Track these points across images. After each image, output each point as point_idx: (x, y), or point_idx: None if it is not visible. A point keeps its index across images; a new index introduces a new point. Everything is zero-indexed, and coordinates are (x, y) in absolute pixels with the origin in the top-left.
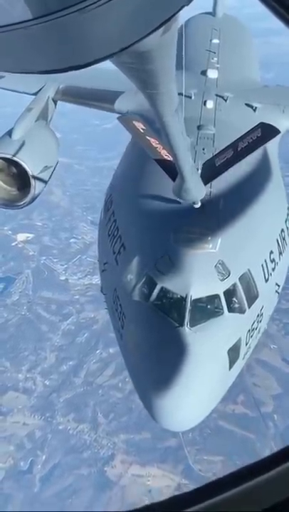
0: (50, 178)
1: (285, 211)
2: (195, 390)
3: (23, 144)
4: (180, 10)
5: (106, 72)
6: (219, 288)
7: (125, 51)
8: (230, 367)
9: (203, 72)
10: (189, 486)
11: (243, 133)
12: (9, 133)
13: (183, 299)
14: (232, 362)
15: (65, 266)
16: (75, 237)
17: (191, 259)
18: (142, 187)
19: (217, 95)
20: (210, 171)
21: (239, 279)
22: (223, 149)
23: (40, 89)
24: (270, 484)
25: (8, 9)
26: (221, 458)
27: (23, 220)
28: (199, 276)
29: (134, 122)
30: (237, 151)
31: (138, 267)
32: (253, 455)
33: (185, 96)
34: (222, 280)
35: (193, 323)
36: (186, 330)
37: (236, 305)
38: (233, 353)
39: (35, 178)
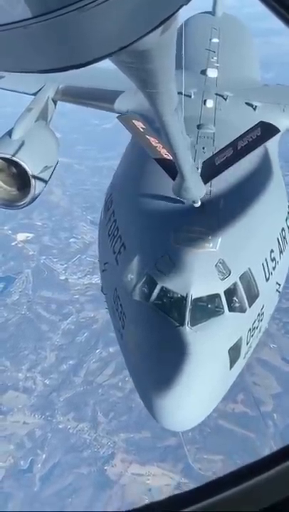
0: (50, 178)
1: (286, 210)
2: (196, 389)
3: (22, 144)
4: (179, 9)
5: (105, 72)
6: (220, 287)
7: (124, 50)
8: (231, 366)
9: (203, 72)
10: (189, 484)
11: (243, 132)
12: (9, 133)
13: (183, 299)
14: (233, 361)
15: (65, 265)
16: (75, 237)
17: (191, 258)
18: (142, 186)
19: (217, 94)
20: (210, 170)
21: (240, 278)
22: (223, 148)
23: (39, 90)
24: (270, 483)
25: (8, 8)
26: (221, 457)
27: (23, 219)
28: (200, 275)
29: (133, 121)
30: (237, 149)
31: (138, 267)
32: (253, 454)
33: (185, 95)
34: (222, 279)
35: (194, 322)
36: (187, 329)
37: (237, 304)
38: (234, 352)
39: (35, 178)
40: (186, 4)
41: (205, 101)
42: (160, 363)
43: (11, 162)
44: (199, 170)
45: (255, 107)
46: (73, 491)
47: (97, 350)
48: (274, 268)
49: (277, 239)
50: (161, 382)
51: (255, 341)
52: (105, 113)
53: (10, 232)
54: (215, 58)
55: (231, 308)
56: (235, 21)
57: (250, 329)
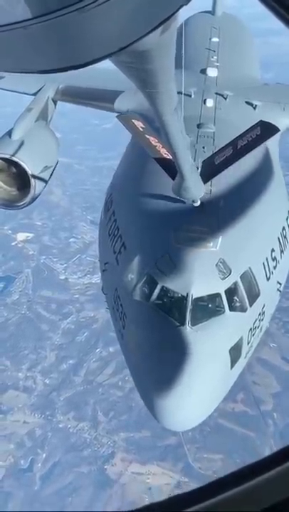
0: (50, 178)
1: (287, 209)
2: (196, 389)
3: (22, 144)
4: (179, 9)
5: (105, 72)
6: (220, 287)
7: (124, 50)
8: (232, 366)
9: (203, 71)
10: (189, 483)
11: (243, 131)
12: (9, 133)
13: (184, 298)
14: (234, 361)
15: (65, 265)
16: (75, 237)
17: (191, 258)
18: (142, 186)
19: (217, 93)
20: (209, 170)
21: (240, 277)
22: (223, 147)
23: (39, 90)
24: (271, 484)
25: (8, 8)
26: (221, 456)
27: (23, 219)
28: (200, 275)
29: (133, 121)
30: (236, 149)
31: (139, 267)
32: (253, 453)
33: (185, 95)
34: (223, 279)
35: (195, 322)
36: (188, 329)
37: (238, 304)
38: (235, 352)
39: (35, 177)
40: (186, 4)
41: (205, 100)
42: (161, 363)
43: (10, 162)
44: (199, 169)
45: (255, 106)
46: (73, 490)
47: (97, 350)
48: (275, 267)
49: (278, 238)
50: (162, 382)
51: (256, 341)
52: (105, 113)
53: (10, 232)
54: (215, 57)
55: (232, 308)
56: (235, 20)
57: (251, 329)
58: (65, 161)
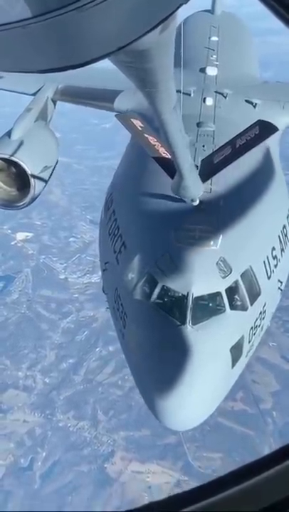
0: (50, 178)
1: (287, 207)
2: (198, 388)
3: (22, 144)
4: (178, 8)
5: (105, 72)
6: (221, 285)
7: (123, 50)
8: (233, 365)
9: (203, 70)
10: (189, 482)
11: (243, 129)
12: (8, 133)
13: (184, 297)
14: (235, 360)
15: (65, 265)
16: (74, 236)
17: (192, 257)
18: (142, 186)
19: (216, 92)
20: (208, 169)
21: (241, 276)
22: (221, 147)
23: (39, 90)
24: (269, 483)
25: (7, 8)
26: (220, 455)
27: (23, 219)
28: (200, 274)
29: (132, 120)
30: (235, 148)
31: (139, 266)
32: (252, 451)
33: (184, 93)
34: (224, 277)
35: (195, 321)
36: (188, 328)
37: (238, 302)
38: (236, 350)
39: (35, 177)
40: (185, 3)
41: (204, 99)
42: (162, 363)
43: (10, 162)
44: (199, 168)
45: (255, 104)
46: (73, 489)
47: (97, 349)
48: (275, 266)
49: (279, 236)
50: (163, 382)
51: (257, 340)
52: (105, 112)
53: (9, 231)
54: (214, 56)
55: (233, 307)
56: (234, 19)
57: (252, 327)
58: (65, 161)
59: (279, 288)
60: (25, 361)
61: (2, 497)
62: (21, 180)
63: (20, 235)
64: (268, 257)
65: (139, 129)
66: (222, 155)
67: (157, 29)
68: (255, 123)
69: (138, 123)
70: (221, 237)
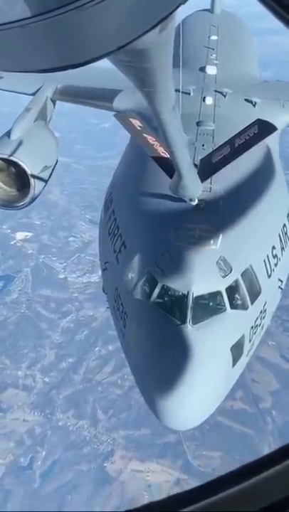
0: (49, 178)
1: (287, 206)
2: (198, 388)
3: (21, 144)
4: (177, 8)
5: (104, 71)
6: (221, 284)
7: (123, 49)
8: (234, 364)
9: (202, 69)
10: (188, 481)
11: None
12: (8, 133)
13: (184, 297)
14: (235, 359)
15: (64, 264)
16: (74, 236)
17: (192, 256)
18: (142, 185)
19: (216, 91)
20: (207, 168)
21: (241, 275)
22: (220, 146)
23: (38, 90)
24: (269, 483)
25: (7, 8)
26: (220, 453)
27: (22, 218)
28: (201, 273)
29: (130, 119)
30: (234, 147)
31: (139, 266)
32: (252, 450)
33: (184, 93)
34: (224, 277)
35: (196, 320)
36: (189, 327)
37: (239, 301)
38: (237, 350)
39: (35, 177)
40: (184, 3)
41: (204, 98)
42: (162, 362)
43: (10, 162)
44: (198, 168)
45: (255, 103)
46: (73, 488)
47: (97, 348)
48: (276, 265)
49: (279, 235)
50: (163, 381)
51: (257, 339)
52: (104, 112)
53: (9, 231)
54: (214, 55)
55: (233, 306)
56: (233, 18)
57: (252, 327)
58: (64, 160)
59: (279, 287)
60: (25, 360)
61: (2, 496)
62: (21, 180)
63: (20, 235)
64: (268, 256)
65: (138, 128)
66: (221, 154)
67: (156, 28)
68: (254, 122)
69: (137, 122)
70: (220, 236)
